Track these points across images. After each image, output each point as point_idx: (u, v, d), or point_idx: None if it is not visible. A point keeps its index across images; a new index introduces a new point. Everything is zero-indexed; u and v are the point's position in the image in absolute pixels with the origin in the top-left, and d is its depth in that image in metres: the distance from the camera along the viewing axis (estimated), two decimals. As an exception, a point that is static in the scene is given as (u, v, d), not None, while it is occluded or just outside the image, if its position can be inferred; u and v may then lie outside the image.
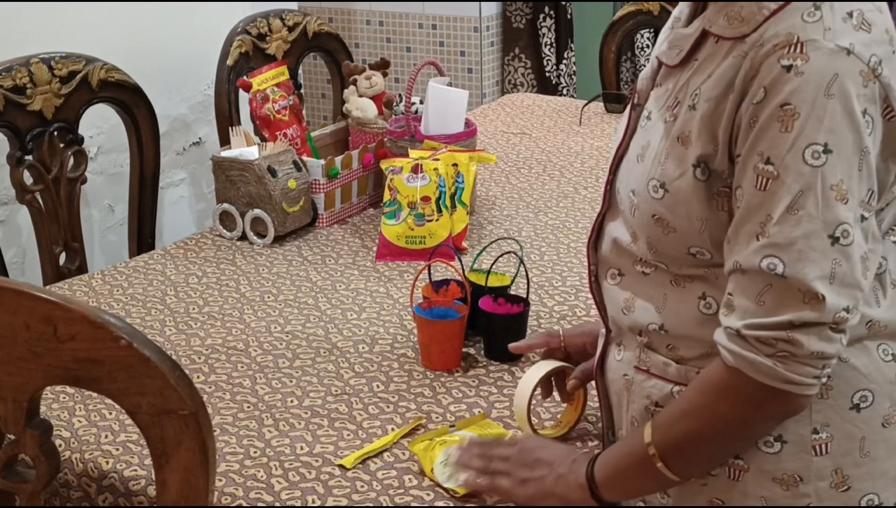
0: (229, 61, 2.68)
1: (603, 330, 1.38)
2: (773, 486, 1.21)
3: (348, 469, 1.44)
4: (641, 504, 1.33)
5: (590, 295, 1.40)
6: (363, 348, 1.77)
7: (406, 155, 2.23)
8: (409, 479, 1.42)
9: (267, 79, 2.37)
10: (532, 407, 1.49)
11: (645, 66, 1.41)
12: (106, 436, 1.53)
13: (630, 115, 1.32)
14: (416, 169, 2.15)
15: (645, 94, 1.30)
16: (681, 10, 1.31)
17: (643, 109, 1.30)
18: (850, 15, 1.11)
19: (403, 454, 1.47)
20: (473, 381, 1.66)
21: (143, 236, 2.51)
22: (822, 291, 1.09)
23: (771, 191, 1.10)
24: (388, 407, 1.59)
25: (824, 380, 1.15)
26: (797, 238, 1.09)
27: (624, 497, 1.29)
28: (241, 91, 2.49)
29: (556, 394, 1.55)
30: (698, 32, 1.21)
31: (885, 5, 1.16)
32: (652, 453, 1.21)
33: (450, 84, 2.45)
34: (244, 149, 2.27)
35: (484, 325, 1.74)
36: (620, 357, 1.33)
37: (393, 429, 1.53)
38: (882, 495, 1.23)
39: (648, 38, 4.10)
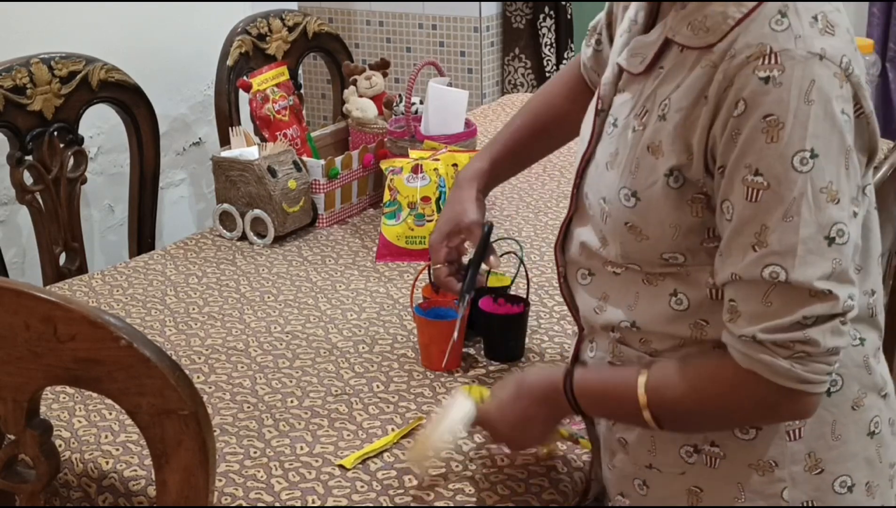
0: (229, 61, 2.68)
1: (575, 328, 1.40)
2: (750, 472, 1.24)
3: (348, 470, 1.44)
4: (621, 500, 1.35)
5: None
6: (363, 348, 1.77)
7: (406, 155, 2.23)
8: (409, 479, 1.42)
9: (267, 79, 2.37)
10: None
11: None
12: (106, 436, 1.53)
13: (595, 120, 1.33)
14: (416, 169, 2.15)
15: (608, 99, 1.32)
16: (636, 13, 1.31)
17: (608, 115, 1.31)
18: (816, 19, 1.12)
19: (403, 454, 1.47)
20: (473, 381, 1.65)
21: (143, 236, 2.51)
22: (827, 287, 1.10)
23: (763, 201, 1.11)
24: (388, 407, 1.59)
25: (833, 377, 1.16)
26: (795, 244, 1.10)
27: (593, 412, 1.34)
28: (241, 91, 2.49)
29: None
30: (661, 40, 1.22)
31: (842, 4, 1.18)
32: (646, 415, 1.23)
33: (450, 84, 2.45)
34: (244, 149, 2.27)
35: (484, 325, 1.74)
36: (593, 354, 1.35)
37: (393, 429, 1.53)
38: (854, 476, 1.26)
39: (648, 39, 4.10)
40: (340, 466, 1.44)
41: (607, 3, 1.49)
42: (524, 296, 1.75)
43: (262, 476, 1.43)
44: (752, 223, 1.12)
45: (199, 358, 1.75)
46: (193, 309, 1.93)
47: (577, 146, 1.39)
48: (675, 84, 1.19)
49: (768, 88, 1.10)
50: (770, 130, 1.10)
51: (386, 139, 2.39)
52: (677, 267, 1.22)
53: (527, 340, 1.75)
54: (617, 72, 1.31)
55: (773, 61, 1.10)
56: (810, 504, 1.24)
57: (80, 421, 1.56)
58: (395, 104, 2.52)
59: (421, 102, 2.45)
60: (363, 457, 1.46)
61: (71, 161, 2.34)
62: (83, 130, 2.38)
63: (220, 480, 1.42)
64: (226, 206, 2.24)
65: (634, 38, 1.28)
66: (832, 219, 1.11)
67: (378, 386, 1.65)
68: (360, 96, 2.49)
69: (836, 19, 1.14)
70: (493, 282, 1.80)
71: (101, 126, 2.70)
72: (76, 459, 1.49)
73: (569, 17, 4.27)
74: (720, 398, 1.19)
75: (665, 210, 1.19)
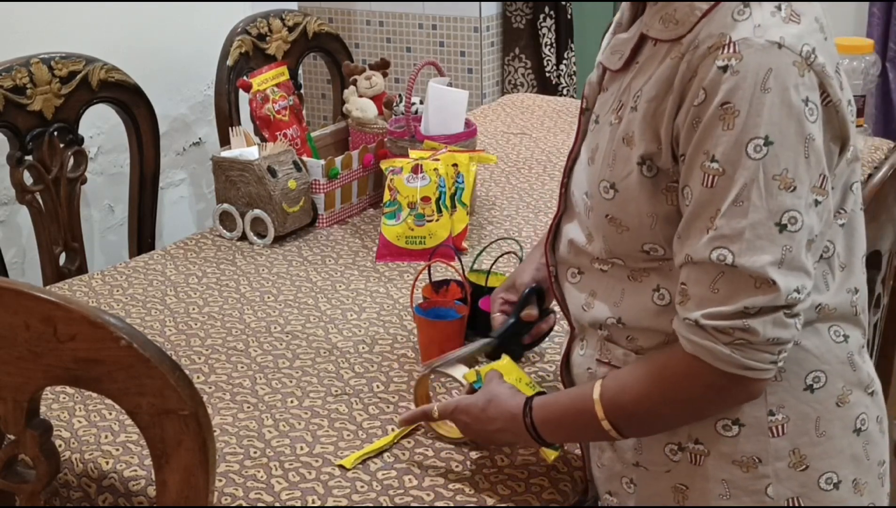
0: (229, 61, 2.68)
1: (567, 327, 1.42)
2: (734, 468, 1.25)
3: (348, 470, 1.44)
4: (609, 499, 1.36)
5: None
6: (363, 348, 1.77)
7: (406, 155, 2.23)
8: (409, 479, 1.42)
9: (267, 79, 2.37)
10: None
11: None
12: (106, 436, 1.53)
13: (580, 120, 1.36)
14: (416, 169, 2.15)
15: (592, 98, 1.35)
16: (622, 15, 1.34)
17: (591, 114, 1.34)
18: (779, 8, 1.14)
19: (403, 454, 1.47)
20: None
21: (143, 236, 2.51)
22: (773, 276, 1.12)
23: (718, 187, 1.13)
24: (388, 408, 1.59)
25: (780, 364, 1.18)
26: (744, 228, 1.12)
27: (556, 437, 1.36)
28: (241, 91, 2.49)
29: None
30: (636, 37, 1.25)
31: None
32: (605, 426, 1.25)
33: (450, 84, 2.45)
34: (244, 149, 2.27)
35: (484, 325, 1.73)
36: (583, 352, 1.36)
37: (393, 429, 1.53)
38: (840, 473, 1.26)
39: (648, 39, 4.10)
40: (340, 466, 1.45)
41: None
42: (524, 296, 1.74)
43: (262, 476, 1.43)
44: (707, 208, 1.14)
45: (199, 358, 1.75)
46: (193, 309, 1.93)
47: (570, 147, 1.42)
48: (647, 76, 1.21)
49: (726, 76, 1.12)
50: (726, 118, 1.12)
51: (386, 139, 2.39)
52: (659, 261, 1.24)
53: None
54: (601, 72, 1.34)
55: (731, 50, 1.12)
56: (796, 501, 1.25)
57: (80, 421, 1.56)
58: (395, 104, 2.52)
59: (421, 102, 2.45)
60: (363, 457, 1.46)
61: (71, 161, 2.33)
62: (83, 130, 2.37)
63: (220, 480, 1.42)
64: (226, 206, 2.24)
65: (615, 36, 1.31)
66: (784, 206, 1.12)
67: (378, 386, 1.65)
68: (360, 96, 2.49)
69: (802, 8, 1.16)
70: (493, 282, 1.80)
71: (101, 126, 2.70)
72: (76, 459, 1.49)
73: (569, 17, 4.27)
74: (671, 388, 1.21)
75: (641, 200, 1.22)
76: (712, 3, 1.16)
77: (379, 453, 1.47)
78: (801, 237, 1.13)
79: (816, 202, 1.15)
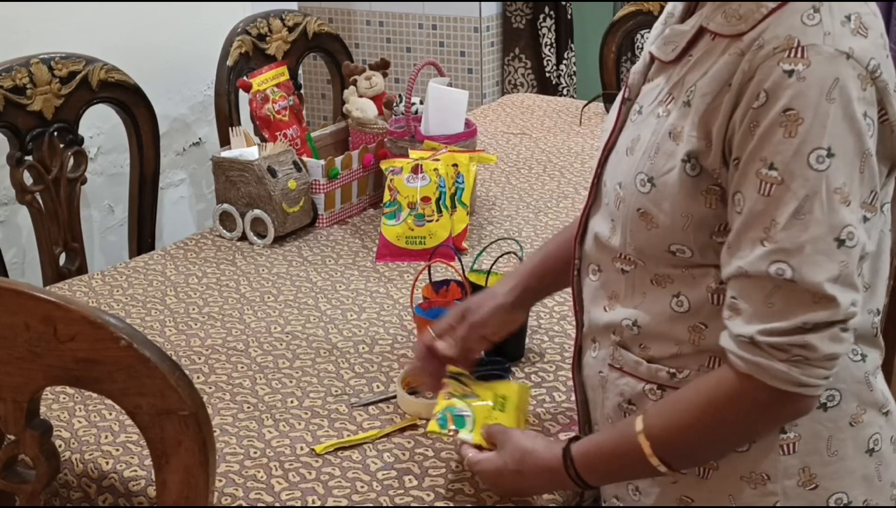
0: (229, 61, 2.68)
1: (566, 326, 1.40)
2: (742, 484, 1.23)
3: (349, 470, 1.44)
4: (615, 502, 1.35)
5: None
6: (363, 348, 1.77)
7: (406, 155, 2.23)
8: (409, 479, 1.42)
9: (267, 79, 2.37)
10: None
11: None
12: (106, 437, 1.53)
13: (620, 109, 1.32)
14: (416, 169, 2.15)
15: (636, 88, 1.31)
16: (674, 7, 1.31)
17: (633, 104, 1.30)
18: (849, 18, 1.11)
19: (403, 454, 1.47)
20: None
21: (143, 236, 2.51)
22: (832, 292, 1.09)
23: (776, 196, 1.10)
24: (388, 407, 1.59)
25: (831, 380, 1.15)
26: (805, 243, 1.09)
27: (603, 482, 1.32)
28: (241, 91, 2.49)
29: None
30: (695, 29, 1.21)
31: (877, 8, 1.17)
32: (654, 462, 1.20)
33: (450, 84, 2.45)
34: (244, 149, 2.27)
35: (484, 325, 1.73)
36: (595, 355, 1.34)
37: (380, 427, 1.53)
38: (850, 494, 1.24)
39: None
40: (339, 466, 1.45)
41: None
42: (524, 296, 1.74)
43: (262, 476, 1.43)
44: (762, 217, 1.11)
45: (199, 358, 1.75)
46: (193, 309, 1.93)
47: (600, 140, 1.37)
48: (703, 71, 1.18)
49: (791, 81, 1.08)
50: (788, 125, 1.08)
51: (386, 139, 2.39)
52: (682, 267, 1.21)
53: (527, 340, 1.75)
54: (648, 62, 1.30)
55: (798, 55, 1.09)
56: None
57: (80, 421, 1.56)
58: (395, 104, 2.52)
59: (421, 102, 2.45)
60: (337, 447, 1.48)
61: (71, 161, 2.33)
62: (83, 130, 2.37)
63: (220, 480, 1.42)
64: (226, 206, 2.24)
65: (670, 27, 1.27)
66: (843, 221, 1.09)
67: (378, 386, 1.65)
68: (360, 96, 2.49)
69: (870, 22, 1.13)
70: (493, 282, 1.80)
71: (101, 126, 2.69)
72: (76, 459, 1.49)
73: (569, 17, 4.27)
74: (721, 411, 1.17)
75: (679, 198, 1.18)
76: (780, 2, 1.12)
77: (379, 453, 1.47)
78: (855, 253, 1.10)
79: (865, 219, 1.12)
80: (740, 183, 1.13)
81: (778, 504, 1.22)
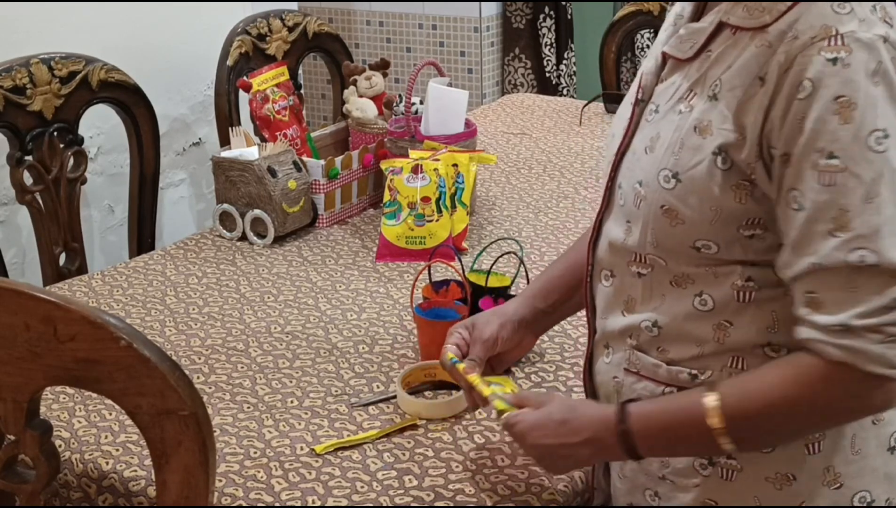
0: (229, 61, 2.68)
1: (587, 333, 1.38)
2: (766, 485, 1.22)
3: (318, 455, 1.44)
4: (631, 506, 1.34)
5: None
6: (363, 348, 1.77)
7: (406, 155, 2.23)
8: (409, 479, 1.42)
9: (267, 79, 2.37)
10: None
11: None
12: (106, 437, 1.53)
13: (633, 111, 1.31)
14: (416, 169, 2.15)
15: (649, 89, 1.30)
16: (683, 8, 1.31)
17: (647, 104, 1.29)
18: (875, 9, 1.12)
19: (403, 454, 1.47)
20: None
21: (143, 236, 2.51)
22: None
23: (840, 184, 1.09)
24: (388, 408, 1.59)
25: None
26: (881, 225, 1.08)
27: (651, 451, 1.25)
28: (241, 91, 2.49)
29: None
30: (713, 25, 1.21)
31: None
32: (723, 441, 1.17)
33: (450, 84, 2.45)
34: (244, 149, 2.27)
35: (484, 325, 1.73)
36: (609, 360, 1.33)
37: (381, 427, 1.53)
38: (874, 491, 1.24)
39: (648, 39, 4.10)
40: (339, 466, 1.45)
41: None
42: (524, 296, 1.74)
43: (262, 476, 1.43)
44: (828, 208, 1.10)
45: (199, 358, 1.75)
46: (193, 309, 1.93)
47: (608, 145, 1.36)
48: (727, 64, 1.17)
49: (836, 68, 1.08)
50: (842, 112, 1.08)
51: (386, 139, 2.39)
52: (706, 265, 1.20)
53: (527, 340, 1.75)
54: (660, 62, 1.30)
55: (839, 42, 1.09)
56: None
57: (80, 422, 1.56)
58: (395, 104, 2.52)
59: (421, 102, 2.45)
60: (336, 447, 1.47)
61: (71, 161, 2.33)
62: (83, 130, 2.37)
63: (220, 480, 1.42)
64: (226, 206, 2.24)
65: (685, 26, 1.27)
66: None
67: (378, 386, 1.65)
68: (360, 96, 2.49)
69: (893, 12, 1.14)
70: (493, 282, 1.80)
71: (101, 126, 2.70)
72: (76, 459, 1.49)
73: (569, 17, 4.27)
74: (809, 395, 1.14)
75: (708, 192, 1.17)
76: None
77: (379, 454, 1.47)
78: None
79: None
80: (795, 179, 1.12)
81: (804, 505, 1.22)
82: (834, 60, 1.09)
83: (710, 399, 1.17)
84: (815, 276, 1.12)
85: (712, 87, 1.18)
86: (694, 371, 1.23)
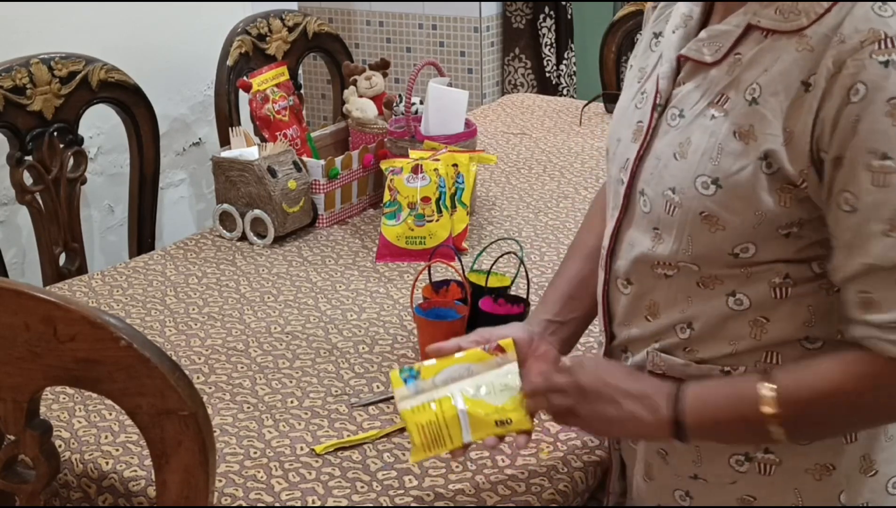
0: (229, 61, 2.68)
1: (601, 339, 1.37)
2: (806, 477, 1.23)
3: (349, 471, 1.44)
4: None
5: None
6: (363, 348, 1.77)
7: (406, 155, 2.23)
8: (409, 479, 1.42)
9: (267, 79, 2.37)
10: None
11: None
12: (106, 437, 1.53)
13: (651, 115, 1.28)
14: (416, 169, 2.15)
15: (666, 93, 1.27)
16: (690, 9, 1.29)
17: (668, 109, 1.27)
18: None
19: (403, 454, 1.47)
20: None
21: (143, 236, 2.51)
22: None
23: (894, 185, 1.09)
24: (388, 408, 1.59)
25: None
26: None
27: (698, 433, 1.23)
28: (241, 91, 2.49)
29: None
30: (741, 28, 1.20)
31: None
32: (774, 430, 1.16)
33: (450, 84, 2.45)
34: (244, 149, 2.27)
35: (484, 325, 1.73)
36: (629, 363, 1.32)
37: (380, 427, 1.53)
38: None
39: (648, 39, 4.09)
40: (338, 466, 1.45)
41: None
42: (524, 296, 1.75)
43: (262, 476, 1.43)
44: (882, 208, 1.09)
45: (199, 358, 1.75)
46: (193, 309, 1.93)
47: (615, 150, 1.34)
48: (763, 68, 1.16)
49: (889, 71, 1.08)
50: (895, 113, 1.08)
51: (386, 139, 2.39)
52: (740, 267, 1.19)
53: (527, 340, 1.74)
54: (675, 65, 1.28)
55: (889, 45, 1.08)
56: (866, 506, 1.23)
57: (80, 422, 1.56)
58: (395, 104, 2.52)
59: (421, 102, 2.45)
60: (336, 447, 1.47)
61: (71, 161, 2.33)
62: (83, 130, 2.37)
63: (220, 480, 1.42)
64: (226, 206, 2.24)
65: (705, 28, 1.25)
66: None
67: (378, 386, 1.65)
68: (360, 96, 2.49)
69: None
70: (493, 282, 1.80)
71: (101, 126, 2.70)
72: (76, 459, 1.49)
73: (569, 17, 4.27)
74: (865, 392, 1.14)
75: (754, 197, 1.16)
76: None
77: (379, 454, 1.47)
78: None
79: None
80: (847, 181, 1.11)
81: (843, 493, 1.23)
82: (886, 63, 1.08)
83: (767, 387, 1.16)
84: (869, 276, 1.12)
85: (749, 91, 1.17)
86: (727, 368, 1.23)
